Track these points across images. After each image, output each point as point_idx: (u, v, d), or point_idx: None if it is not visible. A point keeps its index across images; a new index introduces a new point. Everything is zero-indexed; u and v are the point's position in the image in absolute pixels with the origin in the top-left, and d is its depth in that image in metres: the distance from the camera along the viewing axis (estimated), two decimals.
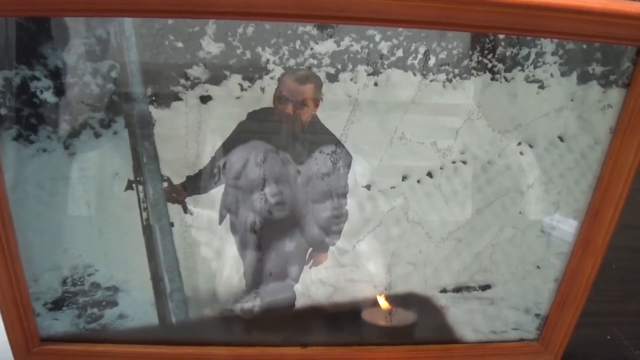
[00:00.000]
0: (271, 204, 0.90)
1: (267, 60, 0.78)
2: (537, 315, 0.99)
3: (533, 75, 0.83)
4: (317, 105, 0.82)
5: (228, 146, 0.85)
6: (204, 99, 0.80)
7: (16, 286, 0.86)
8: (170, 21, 0.75)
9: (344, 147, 0.85)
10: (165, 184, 0.86)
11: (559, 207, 0.92)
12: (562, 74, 0.83)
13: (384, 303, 0.98)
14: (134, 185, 0.86)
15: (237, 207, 0.91)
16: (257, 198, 0.89)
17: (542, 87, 0.84)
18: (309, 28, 0.76)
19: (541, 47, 0.80)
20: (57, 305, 0.92)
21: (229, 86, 0.79)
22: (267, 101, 0.81)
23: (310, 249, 0.95)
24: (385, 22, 0.71)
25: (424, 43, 0.78)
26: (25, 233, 0.85)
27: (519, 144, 0.88)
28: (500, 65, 0.81)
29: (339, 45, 0.77)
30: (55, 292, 0.92)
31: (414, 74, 0.80)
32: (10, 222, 0.82)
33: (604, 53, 0.81)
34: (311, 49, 0.77)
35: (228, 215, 0.92)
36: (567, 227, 0.93)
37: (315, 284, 0.96)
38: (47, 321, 0.93)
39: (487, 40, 0.79)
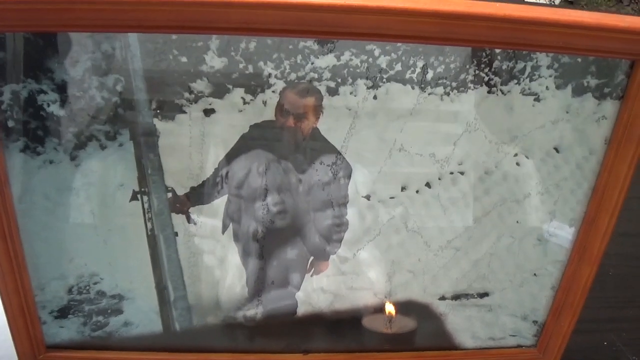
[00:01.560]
0: (273, 212, 0.91)
1: (269, 75, 0.79)
2: (535, 322, 1.00)
3: (529, 88, 0.84)
4: (317, 118, 0.84)
5: (231, 158, 0.86)
6: (208, 112, 0.81)
7: (23, 295, 0.87)
8: (174, 36, 0.77)
9: (344, 158, 0.86)
10: (170, 195, 0.87)
11: (555, 216, 0.93)
12: (558, 87, 0.84)
13: (390, 309, 0.99)
14: (138, 195, 0.87)
15: (239, 216, 0.92)
16: (260, 207, 0.90)
17: (537, 99, 0.85)
18: (310, 43, 0.77)
19: (537, 61, 0.82)
20: (63, 313, 0.93)
21: (231, 99, 0.80)
22: (269, 114, 0.82)
23: (312, 257, 0.96)
24: (384, 37, 0.72)
25: (422, 57, 0.80)
26: (32, 243, 0.86)
27: (516, 155, 0.89)
28: (496, 79, 0.82)
29: (339, 60, 0.78)
30: (61, 301, 0.93)
31: (412, 88, 0.81)
32: (17, 232, 0.84)
33: (598, 66, 0.83)
34: (312, 63, 0.78)
35: (231, 224, 0.93)
36: (564, 233, 0.94)
37: (316, 291, 0.97)
38: (53, 329, 0.94)
39: (484, 54, 0.81)
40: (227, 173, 0.88)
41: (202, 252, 0.92)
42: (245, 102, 0.81)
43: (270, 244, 0.93)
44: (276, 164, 0.88)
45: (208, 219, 0.91)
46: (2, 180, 0.79)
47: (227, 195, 0.91)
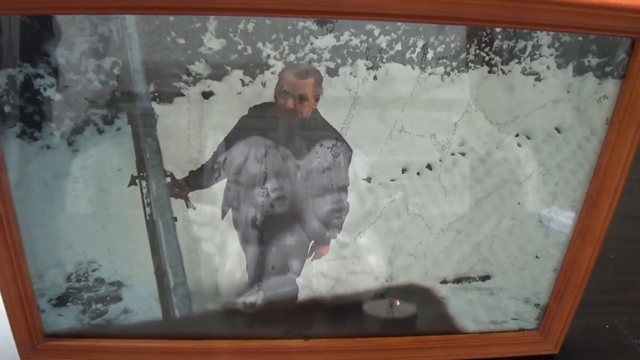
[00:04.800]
0: (272, 199, 0.90)
1: (268, 56, 0.78)
2: (537, 305, 1.00)
3: (530, 68, 0.83)
4: (317, 100, 0.83)
5: (230, 141, 0.85)
6: (206, 95, 0.80)
7: (21, 283, 0.87)
8: (171, 18, 0.76)
9: (344, 140, 0.86)
10: (168, 179, 0.87)
11: (556, 198, 0.93)
12: (559, 66, 0.84)
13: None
14: (137, 180, 0.86)
15: (238, 203, 0.92)
16: (258, 193, 0.90)
17: (538, 79, 0.84)
18: (309, 23, 0.77)
19: (537, 40, 0.81)
20: (61, 301, 0.93)
21: (230, 81, 0.80)
22: (269, 96, 0.81)
23: (312, 241, 0.96)
24: (383, 16, 0.72)
25: (422, 37, 0.79)
26: (30, 230, 0.86)
27: (517, 135, 0.88)
28: (497, 58, 0.82)
29: (338, 40, 0.78)
30: (60, 288, 0.92)
31: (413, 68, 0.81)
32: (15, 219, 0.83)
33: (599, 45, 0.82)
34: (311, 43, 0.78)
35: (230, 210, 0.92)
36: (564, 219, 0.94)
37: (317, 276, 0.97)
38: (52, 317, 0.93)
39: (484, 33, 0.80)
40: (224, 160, 0.87)
41: (201, 238, 0.92)
42: (244, 84, 0.80)
43: (270, 230, 0.93)
44: (274, 150, 0.87)
45: (207, 204, 0.90)
46: None
47: (226, 180, 0.90)
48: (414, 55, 0.80)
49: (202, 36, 0.77)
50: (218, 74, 0.80)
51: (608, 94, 0.83)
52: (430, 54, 0.80)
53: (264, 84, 0.80)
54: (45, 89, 0.79)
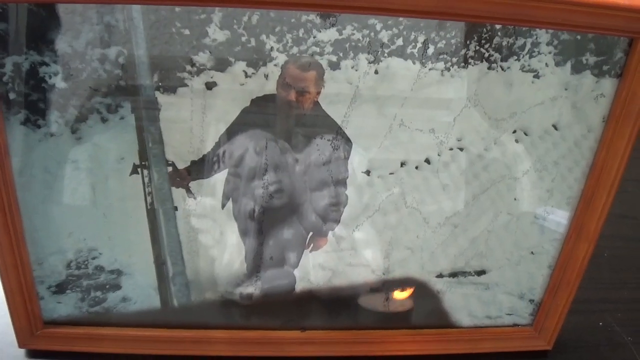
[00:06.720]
0: (270, 191, 0.91)
1: (271, 48, 0.79)
2: (531, 300, 1.01)
3: (528, 65, 0.84)
4: (319, 92, 0.84)
5: (231, 132, 0.86)
6: (209, 85, 0.81)
7: (21, 270, 0.87)
8: (177, 9, 0.77)
9: (344, 133, 0.87)
10: (170, 169, 0.87)
11: (552, 194, 0.94)
12: (557, 64, 0.85)
13: (401, 294, 1.00)
14: (139, 169, 0.87)
15: (237, 195, 0.92)
16: (256, 186, 0.91)
17: (537, 76, 0.85)
18: (312, 17, 0.77)
19: (536, 38, 0.82)
20: (61, 288, 0.94)
21: (233, 73, 0.81)
22: (271, 88, 0.82)
23: (311, 233, 0.97)
24: (386, 11, 0.73)
25: (423, 32, 0.80)
26: (31, 217, 0.86)
27: (515, 132, 0.89)
28: (496, 55, 0.83)
29: (341, 34, 0.79)
30: (60, 276, 0.93)
31: (413, 63, 0.82)
32: (17, 206, 0.84)
33: (597, 44, 0.83)
34: (314, 37, 0.79)
35: (230, 202, 0.93)
36: (559, 215, 0.95)
37: (314, 268, 0.97)
38: (51, 304, 0.94)
39: (485, 30, 0.81)
40: (224, 152, 0.88)
41: (201, 229, 0.93)
42: (247, 76, 0.81)
43: (268, 222, 0.94)
44: (273, 143, 0.88)
45: (207, 195, 0.91)
46: (2, 152, 0.79)
47: (226, 171, 0.91)
48: (415, 51, 0.81)
49: (206, 27, 0.77)
50: (221, 65, 0.80)
51: (605, 92, 0.84)
52: (431, 50, 0.81)
53: (266, 76, 0.81)
54: (50, 77, 0.79)
